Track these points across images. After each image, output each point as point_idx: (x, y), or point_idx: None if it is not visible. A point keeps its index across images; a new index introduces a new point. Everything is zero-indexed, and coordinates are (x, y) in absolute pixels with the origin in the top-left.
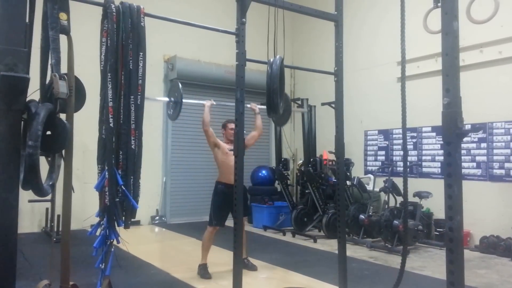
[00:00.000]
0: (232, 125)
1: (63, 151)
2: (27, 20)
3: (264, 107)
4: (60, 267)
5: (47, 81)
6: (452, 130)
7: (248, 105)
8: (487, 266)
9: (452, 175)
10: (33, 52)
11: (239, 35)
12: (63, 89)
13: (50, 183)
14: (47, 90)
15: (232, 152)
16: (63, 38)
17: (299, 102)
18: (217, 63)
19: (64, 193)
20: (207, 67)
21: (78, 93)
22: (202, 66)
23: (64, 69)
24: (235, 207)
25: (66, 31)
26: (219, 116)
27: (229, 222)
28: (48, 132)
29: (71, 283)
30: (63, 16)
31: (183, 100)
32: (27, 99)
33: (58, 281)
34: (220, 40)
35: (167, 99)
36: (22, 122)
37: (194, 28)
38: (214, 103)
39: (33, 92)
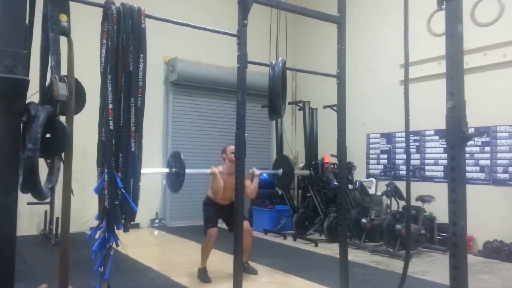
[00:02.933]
0: (232, 147)
1: (63, 154)
2: (27, 22)
3: (266, 171)
4: (59, 271)
5: (47, 83)
6: (456, 134)
7: (250, 171)
8: (490, 271)
9: (456, 179)
10: (33, 54)
11: (241, 37)
12: (63, 91)
13: (50, 186)
14: (46, 92)
15: (228, 178)
16: (63, 40)
17: (301, 104)
18: (218, 65)
19: (63, 196)
20: (208, 69)
21: (78, 96)
22: (202, 68)
23: (64, 71)
24: (235, 210)
25: (66, 32)
26: (220, 116)
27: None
28: (48, 135)
29: (70, 287)
30: (63, 17)
31: (186, 171)
32: (27, 101)
33: (57, 284)
34: (221, 42)
35: (166, 170)
36: (22, 124)
37: (194, 30)
38: (218, 170)
39: (33, 94)
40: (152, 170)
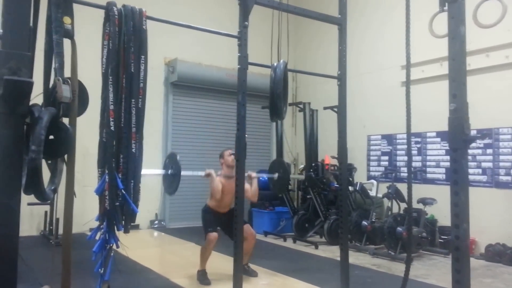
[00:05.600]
0: (229, 151)
1: (66, 156)
2: (31, 24)
3: (260, 175)
4: (61, 272)
5: (51, 85)
6: (458, 136)
7: (246, 174)
8: (492, 275)
9: (458, 182)
10: (37, 56)
11: (241, 38)
12: (67, 93)
13: (52, 187)
14: (50, 94)
15: (227, 183)
16: (66, 42)
17: (301, 106)
18: (218, 66)
19: (66, 198)
20: (208, 70)
21: (81, 98)
22: (203, 69)
23: (67, 73)
24: (235, 212)
25: (69, 35)
26: (220, 117)
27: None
28: (51, 137)
29: None
30: (67, 20)
31: (182, 173)
32: (30, 103)
33: (58, 285)
34: (221, 43)
35: (163, 171)
36: (25, 126)
37: (195, 31)
38: (212, 171)
39: (36, 96)
40: (148, 171)
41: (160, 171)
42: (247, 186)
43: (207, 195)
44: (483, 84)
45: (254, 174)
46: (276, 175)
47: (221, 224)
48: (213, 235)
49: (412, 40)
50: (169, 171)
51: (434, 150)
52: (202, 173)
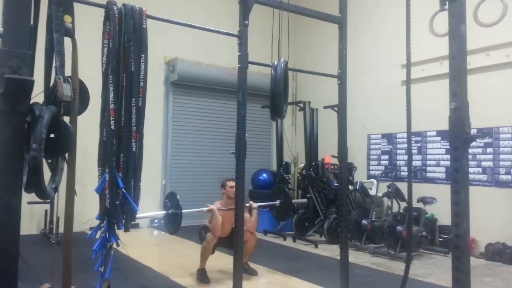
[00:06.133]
0: (232, 183)
1: (66, 154)
2: (31, 23)
3: (263, 204)
4: (62, 271)
5: (51, 84)
6: (459, 135)
7: (247, 205)
8: (492, 274)
9: (458, 181)
10: (37, 55)
11: (242, 37)
12: (67, 92)
13: (53, 186)
14: (51, 93)
15: (227, 214)
16: (67, 41)
17: (301, 105)
18: (218, 65)
19: (66, 196)
20: (208, 69)
21: (82, 96)
22: (203, 68)
23: (68, 71)
24: (235, 211)
25: (70, 33)
26: (220, 116)
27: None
28: (52, 135)
29: (72, 287)
30: (67, 18)
31: (183, 211)
32: (31, 101)
33: (59, 284)
34: (221, 42)
35: (163, 212)
36: (26, 124)
37: (195, 30)
38: (214, 207)
39: (37, 95)
40: (148, 214)
41: (162, 213)
42: (246, 215)
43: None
44: (484, 83)
45: (255, 205)
46: (278, 202)
47: (221, 242)
48: (215, 237)
49: (412, 39)
50: (170, 211)
51: (434, 149)
52: (204, 209)
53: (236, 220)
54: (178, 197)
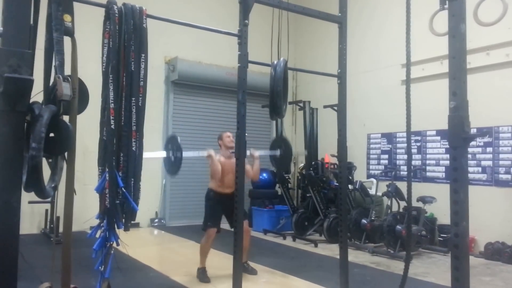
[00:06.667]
0: (228, 133)
1: (66, 153)
2: (31, 22)
3: (264, 153)
4: (61, 269)
5: (51, 83)
6: (458, 134)
7: (248, 153)
8: (492, 273)
9: (458, 180)
10: (37, 54)
11: (242, 36)
12: (67, 91)
13: (53, 185)
14: (50, 92)
15: (226, 162)
16: (67, 40)
17: (301, 104)
18: (218, 64)
19: (66, 195)
20: (208, 69)
21: (81, 95)
22: (203, 68)
23: (67, 71)
24: (235, 210)
25: (70, 33)
26: (220, 116)
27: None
28: (51, 134)
29: (72, 286)
30: (67, 17)
31: (183, 154)
32: (31, 100)
33: (59, 283)
34: (222, 42)
35: (164, 154)
36: (26, 123)
37: (195, 30)
38: (214, 152)
39: (37, 94)
40: (150, 154)
41: (162, 154)
42: (248, 166)
43: (209, 185)
44: (484, 83)
45: (256, 154)
46: (278, 152)
47: (224, 209)
48: (213, 230)
49: (412, 38)
50: (171, 153)
51: (434, 149)
52: (204, 153)
53: (236, 221)
54: (179, 139)
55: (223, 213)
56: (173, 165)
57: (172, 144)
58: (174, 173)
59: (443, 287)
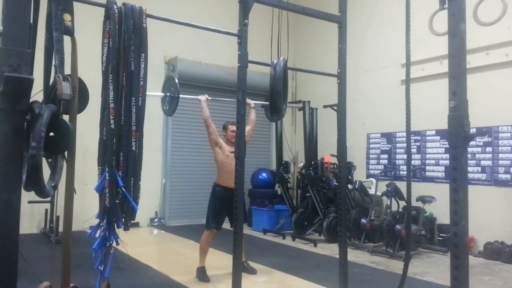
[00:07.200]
0: (233, 127)
1: (66, 153)
2: (31, 21)
3: (259, 102)
4: (61, 269)
5: (51, 82)
6: (458, 133)
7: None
8: (491, 273)
9: (457, 179)
10: (37, 53)
11: (241, 36)
12: (67, 91)
13: (52, 184)
14: (50, 91)
15: (233, 155)
16: (66, 39)
17: (301, 104)
18: (218, 64)
19: (66, 195)
20: (208, 69)
21: (81, 95)
22: (203, 68)
23: (67, 70)
24: (235, 210)
25: (70, 32)
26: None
27: (227, 225)
28: (51, 134)
29: (71, 285)
30: (67, 17)
31: (180, 96)
32: (31, 100)
33: (58, 282)
34: (221, 42)
35: (162, 94)
36: (25, 123)
37: (195, 30)
38: (209, 98)
39: (37, 93)
40: (150, 93)
41: (160, 94)
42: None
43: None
44: (483, 82)
45: (252, 104)
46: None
47: (228, 206)
48: (213, 231)
49: (412, 38)
50: (168, 94)
51: (434, 148)
52: (199, 97)
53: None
54: (177, 81)
55: (227, 213)
56: (170, 105)
57: (170, 85)
58: (171, 114)
59: (442, 287)
